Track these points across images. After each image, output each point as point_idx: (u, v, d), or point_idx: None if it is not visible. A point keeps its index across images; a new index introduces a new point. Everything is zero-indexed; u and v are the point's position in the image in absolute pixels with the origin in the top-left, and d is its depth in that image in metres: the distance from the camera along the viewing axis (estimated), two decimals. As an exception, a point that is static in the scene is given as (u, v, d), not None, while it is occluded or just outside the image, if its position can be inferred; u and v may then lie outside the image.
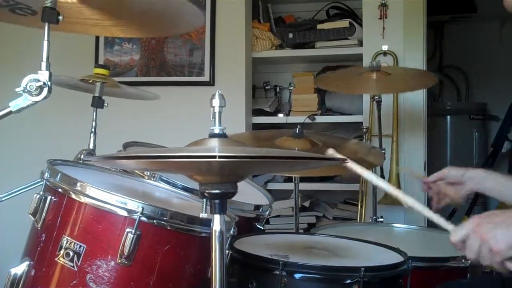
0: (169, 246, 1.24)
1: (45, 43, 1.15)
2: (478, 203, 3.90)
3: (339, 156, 1.15)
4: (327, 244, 1.51)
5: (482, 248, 1.04)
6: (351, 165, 1.20)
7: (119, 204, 1.21)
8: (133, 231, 1.19)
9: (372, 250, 1.48)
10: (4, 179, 2.50)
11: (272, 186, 3.00)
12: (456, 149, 4.16)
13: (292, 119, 3.03)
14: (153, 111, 2.95)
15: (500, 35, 4.34)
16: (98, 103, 1.89)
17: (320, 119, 3.03)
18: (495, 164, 4.02)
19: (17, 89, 1.12)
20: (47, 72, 1.14)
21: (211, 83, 2.95)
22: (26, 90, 1.11)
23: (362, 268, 1.21)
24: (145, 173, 1.61)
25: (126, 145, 1.83)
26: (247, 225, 1.63)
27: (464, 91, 4.59)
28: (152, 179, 1.61)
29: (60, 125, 3.07)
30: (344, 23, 2.96)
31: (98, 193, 1.23)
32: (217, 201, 0.97)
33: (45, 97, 1.13)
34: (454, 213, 3.74)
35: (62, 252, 1.22)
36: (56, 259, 1.23)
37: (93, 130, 1.91)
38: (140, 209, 1.20)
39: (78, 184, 1.25)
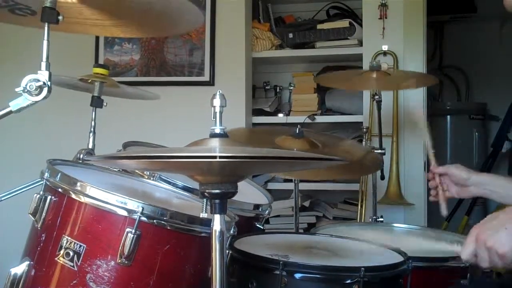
0: (169, 246, 1.24)
1: (45, 43, 1.15)
2: (478, 203, 3.90)
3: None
4: (327, 244, 1.51)
5: (491, 256, 1.06)
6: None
7: (119, 204, 1.21)
8: (133, 231, 1.19)
9: (372, 250, 1.48)
10: (4, 179, 2.50)
11: (272, 186, 3.00)
12: (456, 149, 4.16)
13: (292, 119, 3.03)
14: (153, 111, 2.95)
15: (500, 35, 4.34)
16: (97, 102, 1.89)
17: (320, 119, 3.03)
18: (495, 164, 4.02)
19: (17, 89, 1.12)
20: (47, 72, 1.14)
21: (211, 83, 2.95)
22: (26, 90, 1.11)
23: (362, 268, 1.21)
24: (145, 173, 1.61)
25: (126, 145, 1.83)
26: (247, 224, 1.63)
27: (464, 91, 4.59)
28: (152, 179, 1.61)
29: (59, 125, 3.07)
30: (344, 23, 2.96)
31: (98, 193, 1.22)
32: (217, 201, 0.97)
33: (45, 97, 1.13)
34: (454, 213, 3.75)
35: (62, 252, 1.22)
36: (56, 259, 1.23)
37: (92, 129, 1.91)
38: (140, 209, 1.20)
39: (78, 184, 1.25)
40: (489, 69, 4.36)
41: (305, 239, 1.63)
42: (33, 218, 1.28)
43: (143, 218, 1.20)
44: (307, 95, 3.08)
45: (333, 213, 2.99)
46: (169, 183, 1.60)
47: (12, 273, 1.24)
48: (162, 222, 1.22)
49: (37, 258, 1.26)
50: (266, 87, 3.31)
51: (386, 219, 2.22)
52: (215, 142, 0.97)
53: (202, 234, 1.26)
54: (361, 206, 2.63)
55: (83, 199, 1.23)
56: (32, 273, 1.25)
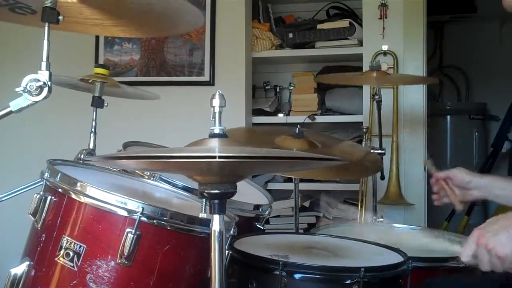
0: (169, 246, 1.24)
1: (45, 43, 1.15)
2: (478, 203, 3.90)
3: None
4: (327, 244, 1.51)
5: (491, 258, 1.06)
6: None
7: (119, 204, 1.21)
8: (133, 231, 1.19)
9: (372, 250, 1.48)
10: (4, 179, 2.50)
11: (272, 186, 3.00)
12: (456, 149, 4.16)
13: (292, 119, 3.03)
14: (153, 111, 2.95)
15: (500, 35, 4.34)
16: (98, 103, 1.89)
17: (320, 119, 3.03)
18: (495, 164, 4.02)
19: (17, 89, 1.12)
20: (47, 72, 1.13)
21: (211, 83, 2.95)
22: (26, 90, 1.11)
23: (362, 268, 1.21)
24: (145, 173, 1.61)
25: (126, 145, 1.83)
26: (247, 225, 1.62)
27: (464, 91, 4.59)
28: (152, 179, 1.61)
29: (60, 125, 3.07)
30: (344, 23, 2.96)
31: (98, 193, 1.22)
32: (216, 201, 0.97)
33: (45, 97, 1.13)
34: (453, 213, 3.75)
35: (62, 252, 1.22)
36: (56, 259, 1.23)
37: (93, 130, 1.91)
38: (140, 209, 1.20)
39: (78, 184, 1.25)
40: (489, 69, 4.36)
41: (305, 239, 1.63)
42: (33, 218, 1.28)
43: (143, 218, 1.20)
44: (307, 95, 3.08)
45: (333, 213, 2.98)
46: (169, 183, 1.60)
47: (12, 273, 1.24)
48: (162, 222, 1.22)
49: (37, 259, 1.26)
50: (266, 87, 3.31)
51: (386, 219, 2.22)
52: (215, 142, 0.97)
53: (202, 234, 1.26)
54: (361, 206, 2.63)
55: (83, 199, 1.23)
56: (32, 273, 1.25)
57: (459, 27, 4.51)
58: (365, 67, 2.79)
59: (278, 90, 3.30)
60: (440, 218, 3.60)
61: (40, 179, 1.33)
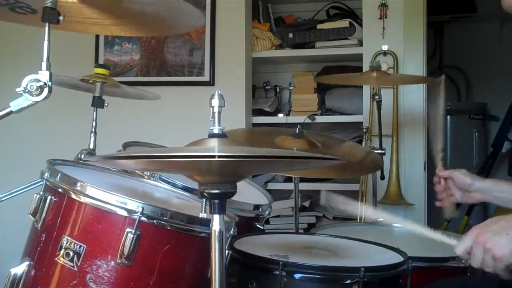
0: (169, 246, 1.24)
1: (46, 43, 1.15)
2: (478, 203, 3.89)
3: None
4: (327, 244, 1.51)
5: (485, 256, 1.07)
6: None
7: (119, 204, 1.21)
8: (133, 231, 1.19)
9: (372, 250, 1.48)
10: (4, 179, 2.50)
11: (272, 186, 3.00)
12: (456, 149, 4.16)
13: (292, 119, 3.03)
14: (153, 111, 2.95)
15: (500, 35, 4.34)
16: (98, 103, 1.89)
17: (320, 119, 3.03)
18: (495, 164, 4.02)
19: (17, 89, 1.12)
20: (48, 72, 1.13)
21: (211, 83, 2.96)
22: (26, 90, 1.11)
23: (362, 268, 1.21)
24: (145, 173, 1.61)
25: (126, 145, 1.83)
26: (247, 225, 1.63)
27: (464, 91, 4.59)
28: (152, 179, 1.61)
29: (60, 125, 3.07)
30: (344, 23, 2.96)
31: (98, 193, 1.23)
32: (216, 201, 0.97)
33: (45, 97, 1.13)
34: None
35: (62, 252, 1.22)
36: (56, 259, 1.23)
37: (93, 130, 1.91)
38: (140, 209, 1.20)
39: (78, 184, 1.25)
40: (489, 69, 4.36)
41: (305, 239, 1.64)
42: (33, 218, 1.28)
43: (143, 218, 1.20)
44: (307, 95, 3.08)
45: (333, 213, 2.98)
46: (168, 183, 1.60)
47: (12, 273, 1.24)
48: (162, 222, 1.22)
49: (37, 258, 1.26)
50: (266, 87, 3.31)
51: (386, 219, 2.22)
52: (214, 142, 0.97)
53: (202, 234, 1.26)
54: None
55: (83, 199, 1.24)
56: (32, 273, 1.25)
57: (459, 27, 4.51)
58: (365, 67, 2.79)
59: (278, 90, 3.30)
60: (440, 218, 3.58)
61: (40, 179, 1.33)
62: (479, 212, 3.92)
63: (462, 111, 4.23)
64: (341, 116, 3.07)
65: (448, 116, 4.21)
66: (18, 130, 3.03)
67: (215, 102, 0.99)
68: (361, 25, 2.91)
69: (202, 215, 1.25)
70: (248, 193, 1.83)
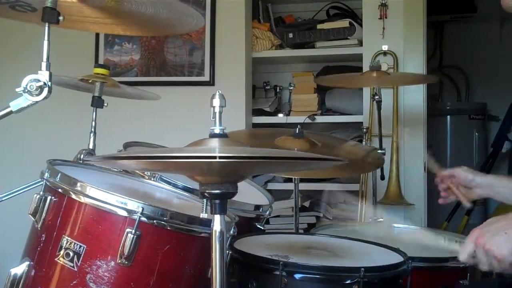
0: (169, 246, 1.24)
1: (45, 43, 1.15)
2: (478, 203, 3.90)
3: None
4: (327, 244, 1.51)
5: (488, 258, 1.06)
6: None
7: (119, 204, 1.21)
8: (133, 231, 1.19)
9: (372, 250, 1.48)
10: (4, 179, 2.50)
11: (272, 186, 3.00)
12: (456, 149, 4.16)
13: (292, 119, 3.03)
14: (153, 111, 2.95)
15: (500, 35, 4.34)
16: (98, 103, 1.89)
17: (320, 119, 3.03)
18: (495, 164, 4.02)
19: (17, 89, 1.12)
20: (47, 72, 1.13)
21: (211, 83, 2.95)
22: (26, 90, 1.11)
23: (362, 268, 1.21)
24: (146, 173, 1.61)
25: (127, 145, 1.82)
26: (247, 225, 1.62)
27: (464, 91, 4.59)
28: (152, 179, 1.61)
29: (60, 125, 3.07)
30: (344, 23, 2.96)
31: (98, 193, 1.22)
32: (217, 201, 0.97)
33: (45, 97, 1.13)
34: (454, 213, 3.75)
35: (62, 252, 1.22)
36: (56, 259, 1.23)
37: (93, 130, 1.91)
38: (140, 209, 1.20)
39: (78, 184, 1.25)
40: (489, 69, 4.36)
41: (305, 239, 1.64)
42: (33, 218, 1.28)
43: (143, 219, 1.20)
44: (307, 95, 3.08)
45: (333, 213, 2.98)
46: (169, 183, 1.60)
47: (12, 273, 1.24)
48: (162, 222, 1.22)
49: (37, 259, 1.26)
50: (266, 87, 3.31)
51: (386, 219, 2.22)
52: (215, 142, 0.97)
53: (202, 235, 1.26)
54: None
55: (83, 199, 1.23)
56: (32, 273, 1.25)
57: (459, 27, 4.51)
58: (365, 67, 2.79)
59: (278, 90, 3.30)
60: (440, 218, 3.60)
61: (40, 179, 1.33)
62: (479, 212, 3.92)
63: (462, 111, 4.23)
64: (341, 116, 3.07)
65: (448, 116, 4.22)
66: (18, 130, 3.03)
67: (216, 102, 0.99)
68: (361, 25, 2.91)
69: (203, 215, 1.25)
70: (249, 193, 1.83)
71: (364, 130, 2.50)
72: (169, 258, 1.24)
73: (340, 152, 1.92)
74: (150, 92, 2.25)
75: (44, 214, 1.27)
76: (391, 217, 1.26)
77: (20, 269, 1.25)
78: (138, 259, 1.21)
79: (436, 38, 4.54)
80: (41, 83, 1.12)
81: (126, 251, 1.19)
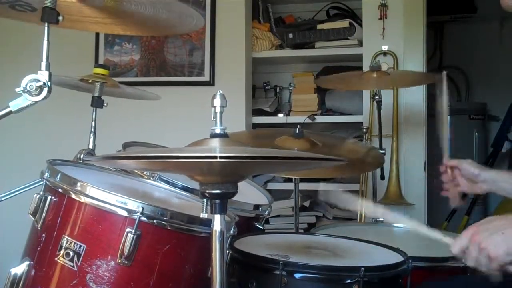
0: (169, 246, 1.24)
1: (45, 43, 1.15)
2: (478, 203, 3.90)
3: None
4: (327, 244, 1.51)
5: (480, 256, 1.06)
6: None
7: (119, 204, 1.21)
8: (133, 231, 1.19)
9: (372, 250, 1.48)
10: (4, 179, 2.50)
11: (272, 186, 3.00)
12: (456, 149, 4.14)
13: (292, 119, 3.03)
14: (153, 111, 2.95)
15: (500, 35, 4.34)
16: (97, 103, 1.89)
17: (320, 119, 3.03)
18: (495, 164, 4.02)
19: (17, 89, 1.12)
20: (47, 72, 1.13)
21: (211, 83, 2.95)
22: (26, 90, 1.11)
23: (362, 268, 1.21)
24: (145, 173, 1.61)
25: (126, 145, 1.83)
26: (247, 225, 1.63)
27: (464, 91, 4.59)
28: (152, 179, 1.61)
29: (60, 125, 3.07)
30: (344, 23, 2.96)
31: (98, 193, 1.22)
32: (217, 201, 0.97)
33: (45, 97, 1.13)
34: (454, 213, 3.75)
35: (62, 252, 1.22)
36: (56, 259, 1.23)
37: (92, 130, 1.91)
38: (140, 209, 1.20)
39: (78, 184, 1.25)
40: (489, 69, 4.36)
41: (305, 239, 1.64)
42: (33, 218, 1.28)
43: (143, 218, 1.20)
44: (307, 95, 3.08)
45: (333, 213, 2.98)
46: (168, 183, 1.60)
47: (12, 273, 1.24)
48: (162, 222, 1.22)
49: (37, 258, 1.26)
50: (266, 87, 3.31)
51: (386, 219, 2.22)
52: (216, 142, 0.97)
53: (202, 234, 1.26)
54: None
55: (83, 199, 1.23)
56: (32, 273, 1.25)
57: (459, 27, 4.51)
58: (365, 67, 2.79)
59: (278, 90, 3.30)
60: (440, 218, 3.60)
61: (40, 179, 1.33)
62: (479, 212, 3.92)
63: (462, 111, 4.23)
64: (341, 116, 3.07)
65: (448, 116, 4.21)
66: (18, 130, 3.03)
67: (217, 102, 0.99)
68: (361, 25, 2.91)
69: (203, 215, 1.26)
70: (248, 193, 1.83)
71: (364, 130, 2.50)
72: (169, 258, 1.24)
73: (340, 151, 1.92)
74: (150, 92, 2.25)
75: (44, 214, 1.27)
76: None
77: (20, 269, 1.25)
78: (138, 258, 1.21)
79: (436, 38, 4.54)
80: (40, 83, 1.12)
81: (126, 251, 1.19)
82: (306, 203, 2.97)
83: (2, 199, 1.61)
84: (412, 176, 2.77)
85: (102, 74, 1.89)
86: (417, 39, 2.80)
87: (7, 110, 1.13)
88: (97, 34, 3.07)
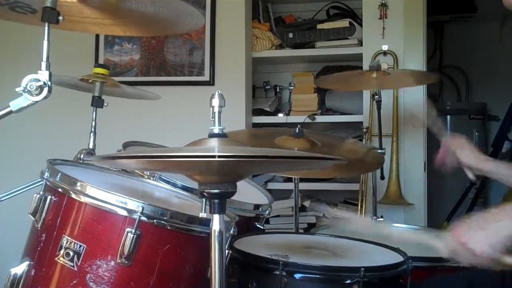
0: (169, 246, 1.24)
1: (45, 43, 1.15)
2: (478, 203, 3.90)
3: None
4: (327, 244, 1.51)
5: (469, 254, 1.07)
6: None
7: (119, 203, 1.21)
8: (133, 230, 1.19)
9: (372, 250, 1.48)
10: (4, 179, 2.50)
11: (272, 185, 3.00)
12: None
13: (292, 119, 3.03)
14: (153, 111, 2.95)
15: (500, 35, 4.34)
16: (97, 102, 1.89)
17: (320, 119, 3.03)
18: (495, 164, 4.02)
19: (17, 89, 1.12)
20: (47, 72, 1.14)
21: (211, 83, 2.95)
22: (26, 90, 1.11)
23: (362, 268, 1.21)
24: (145, 172, 1.61)
25: (126, 145, 1.83)
26: (247, 224, 1.63)
27: (464, 91, 4.59)
28: (152, 178, 1.61)
29: (60, 125, 3.07)
30: (344, 23, 2.96)
31: (98, 193, 1.23)
32: (216, 200, 0.97)
33: (45, 97, 1.13)
34: (454, 212, 3.75)
35: (62, 252, 1.22)
36: (56, 259, 1.23)
37: (93, 129, 1.91)
38: (140, 208, 1.20)
39: (78, 183, 1.25)
40: (489, 69, 4.36)
41: (305, 239, 1.64)
42: (33, 218, 1.28)
43: (143, 218, 1.20)
44: (307, 95, 3.08)
45: (333, 213, 2.98)
46: (168, 182, 1.60)
47: (12, 273, 1.24)
48: (162, 222, 1.22)
49: (37, 258, 1.26)
50: (266, 87, 3.31)
51: (386, 219, 2.22)
52: (214, 142, 0.97)
53: (202, 234, 1.26)
54: (361, 206, 2.63)
55: (83, 199, 1.24)
56: (32, 273, 1.25)
57: (459, 27, 4.51)
58: (365, 67, 2.79)
59: (278, 90, 3.29)
60: (440, 218, 3.60)
61: (40, 179, 1.33)
62: (479, 212, 3.91)
63: (462, 111, 4.23)
64: (341, 116, 3.07)
65: (448, 116, 4.21)
66: (18, 130, 3.03)
67: (215, 102, 0.99)
68: (361, 25, 2.91)
69: (202, 215, 1.25)
70: (248, 193, 1.83)
71: (364, 130, 2.49)
72: (169, 258, 1.24)
73: (340, 151, 1.92)
74: (150, 92, 2.25)
75: (44, 214, 1.27)
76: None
77: (20, 269, 1.25)
78: (138, 258, 1.21)
79: (436, 38, 4.54)
80: (41, 83, 1.12)
81: (126, 251, 1.19)
82: (306, 203, 2.97)
83: (2, 199, 1.61)
84: (412, 176, 2.77)
85: (102, 74, 1.89)
86: (417, 39, 2.80)
87: (7, 110, 1.13)
88: (97, 34, 3.06)
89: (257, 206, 1.68)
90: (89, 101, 1.90)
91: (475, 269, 1.11)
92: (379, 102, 2.32)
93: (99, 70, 1.88)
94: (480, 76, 4.46)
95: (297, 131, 1.80)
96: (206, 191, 0.97)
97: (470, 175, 1.61)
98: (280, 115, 3.14)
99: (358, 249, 1.49)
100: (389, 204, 2.60)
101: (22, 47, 2.97)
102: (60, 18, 1.15)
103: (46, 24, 1.14)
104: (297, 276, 1.24)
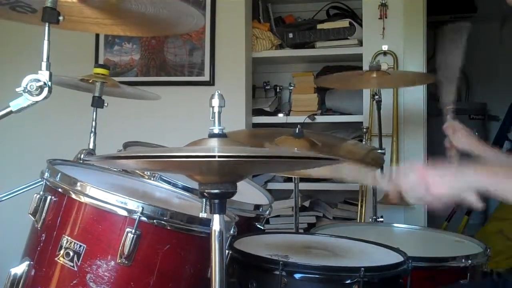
0: (169, 246, 1.24)
1: (46, 43, 1.15)
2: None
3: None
4: (327, 244, 1.51)
5: (424, 191, 1.09)
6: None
7: (119, 204, 1.21)
8: (133, 231, 1.19)
9: (372, 250, 1.48)
10: (4, 179, 2.50)
11: (272, 185, 3.00)
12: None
13: (292, 119, 3.03)
14: (153, 111, 2.95)
15: (500, 35, 4.34)
16: (98, 103, 1.89)
17: (320, 119, 3.03)
18: (495, 164, 4.02)
19: (17, 89, 1.12)
20: (48, 72, 1.14)
21: (211, 83, 2.96)
22: (26, 90, 1.12)
23: (362, 268, 1.21)
24: (145, 173, 1.61)
25: (126, 145, 1.83)
26: (247, 225, 1.62)
27: (464, 91, 4.59)
28: (152, 179, 1.61)
29: (60, 125, 3.07)
30: (344, 23, 2.96)
31: (98, 193, 1.23)
32: (216, 201, 0.97)
33: (45, 97, 1.13)
34: (454, 213, 3.75)
35: (62, 252, 1.22)
36: (56, 259, 1.23)
37: (93, 130, 1.91)
38: (140, 209, 1.20)
39: (78, 184, 1.25)
40: (489, 69, 4.36)
41: (305, 239, 1.64)
42: (33, 218, 1.28)
43: (143, 218, 1.20)
44: (307, 95, 3.08)
45: (333, 213, 2.99)
46: (169, 183, 1.60)
47: (12, 273, 1.24)
48: (162, 222, 1.22)
49: (37, 258, 1.26)
50: (266, 87, 3.31)
51: (386, 219, 2.22)
52: (214, 142, 0.97)
53: (202, 234, 1.26)
54: (361, 206, 2.63)
55: (83, 199, 1.24)
56: (32, 273, 1.25)
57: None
58: (365, 67, 2.79)
59: (278, 90, 3.29)
60: (440, 218, 3.60)
61: (40, 179, 1.33)
62: (479, 212, 3.92)
63: (462, 111, 4.22)
64: (341, 116, 3.07)
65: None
66: (18, 130, 3.03)
67: (215, 102, 0.99)
68: (361, 25, 2.91)
69: (202, 215, 1.25)
70: (248, 193, 1.83)
71: (364, 130, 2.50)
72: (169, 258, 1.24)
73: (340, 151, 1.92)
74: (150, 92, 2.26)
75: (44, 214, 1.27)
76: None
77: (20, 269, 1.25)
78: (138, 258, 1.21)
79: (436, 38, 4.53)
80: (41, 83, 1.12)
81: (126, 251, 1.19)
82: (306, 203, 2.97)
83: (2, 199, 1.62)
84: (412, 176, 2.76)
85: (103, 74, 1.89)
86: (417, 39, 2.80)
87: (8, 110, 1.13)
88: (97, 34, 3.07)
89: (257, 206, 1.68)
90: (89, 101, 1.90)
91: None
92: (379, 102, 2.32)
93: (99, 70, 1.89)
94: (480, 76, 4.46)
95: (297, 131, 1.80)
96: (206, 191, 0.97)
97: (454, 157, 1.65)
98: (280, 115, 3.14)
99: (358, 249, 1.49)
100: (389, 204, 2.60)
101: (22, 47, 2.97)
102: (61, 18, 1.16)
103: (47, 24, 1.14)
104: (297, 276, 1.24)
